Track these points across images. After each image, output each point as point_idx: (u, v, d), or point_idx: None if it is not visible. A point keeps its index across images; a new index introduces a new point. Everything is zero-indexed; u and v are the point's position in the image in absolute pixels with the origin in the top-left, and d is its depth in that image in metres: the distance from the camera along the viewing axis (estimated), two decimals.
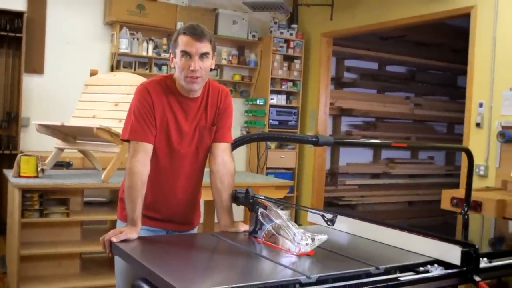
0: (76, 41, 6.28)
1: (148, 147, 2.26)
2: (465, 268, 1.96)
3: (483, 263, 2.06)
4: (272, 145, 7.24)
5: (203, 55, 2.22)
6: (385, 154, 8.84)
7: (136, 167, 2.22)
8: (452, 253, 1.98)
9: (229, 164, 2.40)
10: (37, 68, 6.06)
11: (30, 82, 5.99)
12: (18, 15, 5.74)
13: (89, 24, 6.38)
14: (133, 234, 2.13)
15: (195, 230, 2.55)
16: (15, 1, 5.85)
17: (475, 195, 4.34)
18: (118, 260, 2.33)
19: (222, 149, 2.40)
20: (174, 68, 2.30)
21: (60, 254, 4.14)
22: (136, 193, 2.20)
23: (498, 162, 4.89)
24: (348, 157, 8.35)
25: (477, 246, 1.98)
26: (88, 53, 6.33)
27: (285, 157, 7.28)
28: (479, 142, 5.08)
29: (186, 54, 2.21)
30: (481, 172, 5.03)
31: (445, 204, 4.57)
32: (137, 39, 6.44)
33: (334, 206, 7.74)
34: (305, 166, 7.42)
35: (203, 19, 6.68)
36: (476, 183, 4.97)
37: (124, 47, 6.30)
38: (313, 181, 7.27)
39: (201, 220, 5.48)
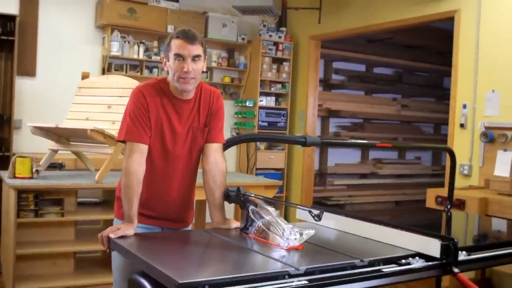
0: (68, 44, 6.35)
1: (143, 148, 2.35)
2: (444, 261, 2.08)
3: (462, 256, 2.18)
4: (262, 146, 7.34)
5: (195, 57, 2.34)
6: (372, 154, 8.97)
7: (132, 167, 2.31)
8: (432, 246, 2.09)
9: (221, 163, 2.51)
10: (29, 70, 6.12)
11: (22, 85, 6.05)
12: (11, 18, 5.79)
13: (80, 28, 6.45)
14: (130, 231, 2.23)
15: (189, 228, 2.65)
16: (8, 5, 5.90)
17: (459, 194, 4.48)
18: (115, 257, 2.43)
19: (214, 149, 2.51)
20: (167, 71, 2.40)
21: (54, 253, 4.22)
22: (132, 192, 2.30)
23: (482, 162, 5.02)
24: (337, 157, 8.47)
25: (455, 240, 2.10)
26: (79, 56, 6.39)
27: (274, 158, 7.39)
28: (463, 142, 5.21)
29: (179, 56, 2.32)
30: (465, 172, 5.16)
31: (430, 203, 4.70)
32: (128, 42, 6.52)
33: (323, 206, 7.84)
34: (294, 167, 7.54)
35: (193, 22, 6.79)
36: (460, 182, 5.11)
37: (115, 50, 6.37)
38: (302, 181, 7.39)
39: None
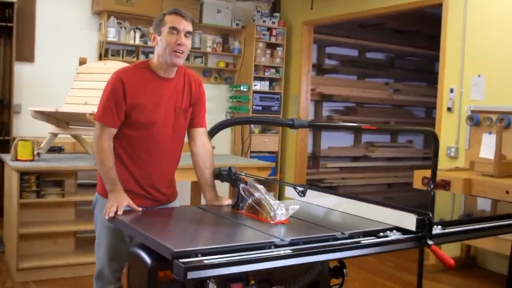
0: (65, 30, 6.47)
1: (112, 131, 2.53)
2: (420, 234, 2.25)
3: (438, 230, 2.34)
4: (256, 129, 7.50)
5: (187, 33, 2.53)
6: (365, 138, 9.14)
7: (104, 145, 2.50)
8: (409, 221, 2.26)
9: (207, 145, 2.71)
10: (27, 56, 6.25)
11: (21, 70, 6.18)
12: (9, 5, 5.89)
13: (77, 14, 6.57)
14: (123, 200, 2.42)
15: (176, 204, 2.79)
16: None
17: (445, 175, 4.67)
18: (97, 214, 2.64)
19: (200, 133, 2.71)
20: (156, 46, 2.56)
21: (56, 232, 4.38)
22: (109, 163, 2.49)
23: (468, 144, 5.20)
24: (330, 141, 8.64)
25: (430, 215, 2.27)
26: (77, 41, 6.51)
27: (268, 141, 7.55)
28: (450, 126, 5.38)
29: (174, 29, 2.49)
30: (452, 154, 5.34)
31: (417, 184, 4.88)
32: (125, 28, 6.64)
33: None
34: (288, 150, 7.71)
35: (188, 8, 6.88)
36: (447, 164, 5.29)
37: (112, 35, 6.50)
38: (295, 164, 7.57)
39: (189, 201, 5.76)
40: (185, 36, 2.51)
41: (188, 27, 2.52)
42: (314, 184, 8.07)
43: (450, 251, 5.19)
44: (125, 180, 2.54)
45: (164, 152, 2.63)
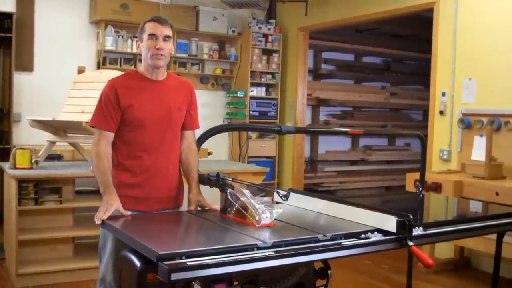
0: (63, 40, 6.58)
1: (109, 135, 2.67)
2: (400, 235, 2.32)
3: (419, 231, 2.42)
4: (253, 135, 7.58)
5: (166, 38, 2.68)
6: (362, 141, 9.20)
7: (100, 150, 2.63)
8: (390, 223, 2.33)
9: (192, 144, 2.87)
10: (27, 66, 6.36)
11: (20, 80, 6.28)
12: (8, 16, 6.01)
13: (75, 23, 6.68)
14: (113, 203, 2.51)
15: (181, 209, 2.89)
16: (4, 3, 6.11)
17: (436, 177, 4.75)
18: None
19: (188, 134, 2.88)
20: (140, 53, 2.73)
21: (54, 238, 4.45)
22: (105, 169, 2.60)
23: (460, 147, 5.28)
24: (327, 145, 8.71)
25: (410, 217, 2.34)
26: (75, 50, 6.62)
27: (265, 146, 7.64)
28: (443, 129, 5.46)
29: (152, 36, 2.66)
30: (445, 157, 5.42)
31: (410, 186, 4.97)
32: (122, 37, 6.74)
33: (313, 192, 8.06)
34: (285, 155, 7.79)
35: (184, 16, 7.01)
36: (440, 167, 5.37)
37: (109, 44, 6.60)
38: (292, 169, 7.64)
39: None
40: (164, 40, 2.66)
41: (166, 31, 2.67)
42: (312, 189, 8.15)
43: (443, 253, 5.27)
44: (128, 185, 2.65)
45: (162, 148, 2.74)
